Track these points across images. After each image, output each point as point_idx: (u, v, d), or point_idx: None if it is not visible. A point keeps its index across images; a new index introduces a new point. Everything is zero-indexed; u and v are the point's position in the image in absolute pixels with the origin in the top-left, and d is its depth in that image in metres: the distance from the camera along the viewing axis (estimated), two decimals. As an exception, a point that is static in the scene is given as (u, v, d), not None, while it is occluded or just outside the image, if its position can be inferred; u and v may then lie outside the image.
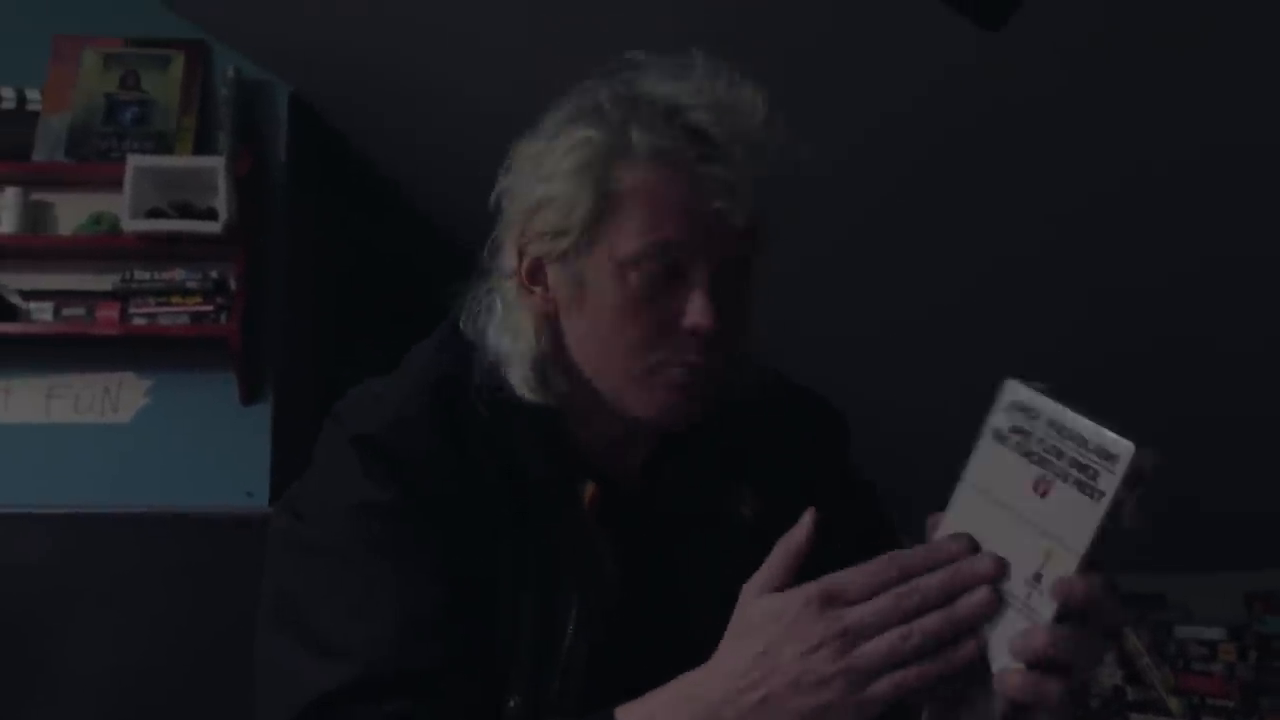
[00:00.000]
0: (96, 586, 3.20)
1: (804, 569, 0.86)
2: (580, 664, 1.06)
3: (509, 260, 1.12)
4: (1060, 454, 0.77)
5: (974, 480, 0.83)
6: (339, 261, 4.16)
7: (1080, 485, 0.76)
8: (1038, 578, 0.77)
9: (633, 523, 1.13)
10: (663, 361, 1.06)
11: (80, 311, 3.32)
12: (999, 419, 0.82)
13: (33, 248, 3.38)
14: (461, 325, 1.15)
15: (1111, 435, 0.76)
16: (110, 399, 3.41)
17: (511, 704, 1.03)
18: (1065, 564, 0.77)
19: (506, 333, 1.11)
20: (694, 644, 0.90)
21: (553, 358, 1.11)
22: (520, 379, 1.09)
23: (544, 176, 1.07)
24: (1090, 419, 0.77)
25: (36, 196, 3.42)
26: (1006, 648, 0.78)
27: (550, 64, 2.63)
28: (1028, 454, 0.79)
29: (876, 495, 1.31)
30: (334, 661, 0.98)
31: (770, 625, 0.84)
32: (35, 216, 3.40)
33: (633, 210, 1.04)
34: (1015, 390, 0.82)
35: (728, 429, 1.15)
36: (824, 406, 1.30)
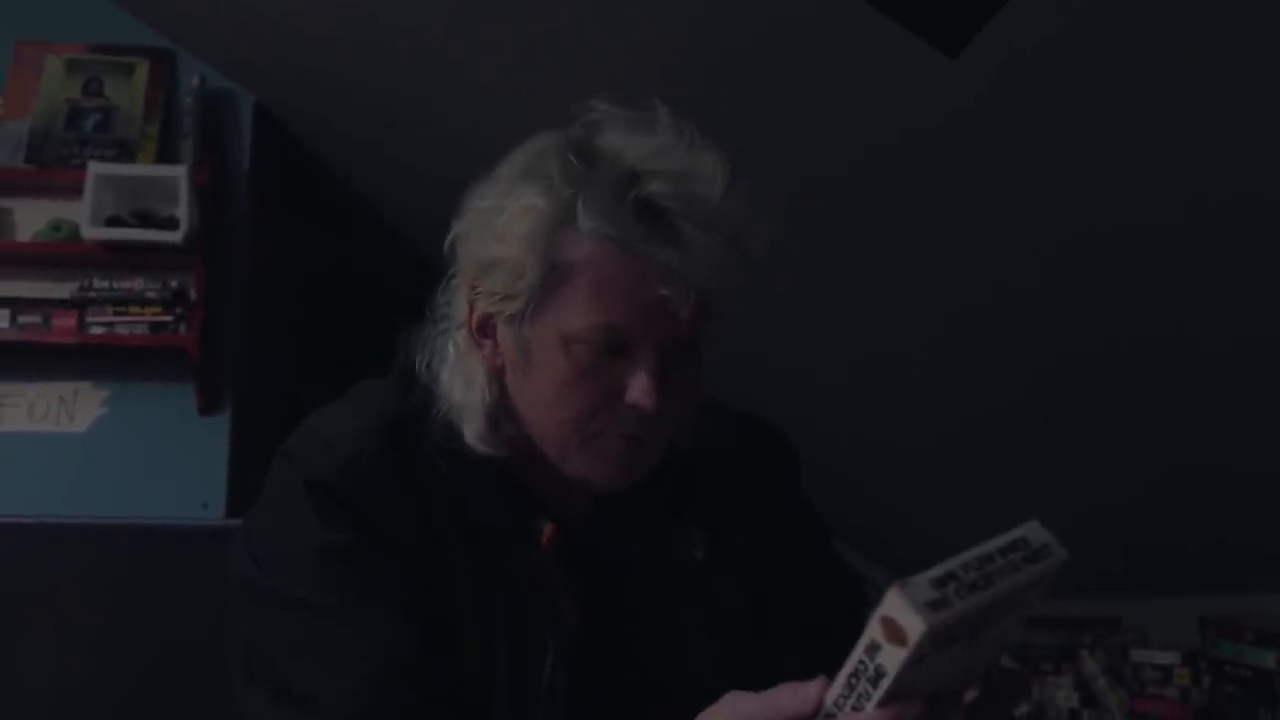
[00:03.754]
0: (49, 598, 3.15)
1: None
2: (562, 704, 1.05)
3: (461, 309, 1.11)
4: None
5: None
6: (301, 273, 4.14)
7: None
8: None
9: (589, 562, 1.12)
10: (602, 432, 1.05)
11: (37, 319, 3.28)
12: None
13: (-10, 254, 3.33)
14: (418, 368, 1.13)
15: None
16: (66, 408, 3.37)
17: None
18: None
19: (460, 381, 1.10)
20: (652, 681, 0.89)
21: (503, 409, 1.10)
22: (473, 432, 1.09)
23: (495, 236, 1.05)
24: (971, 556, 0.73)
25: (-5, 202, 3.38)
26: None
27: (517, 82, 2.64)
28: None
29: (823, 523, 1.30)
30: (310, 717, 0.97)
31: None
32: (-7, 222, 3.36)
33: (579, 287, 1.01)
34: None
35: (676, 467, 1.15)
36: (772, 435, 1.30)
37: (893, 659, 0.70)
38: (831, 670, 0.77)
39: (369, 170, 3.88)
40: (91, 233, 3.21)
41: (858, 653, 0.72)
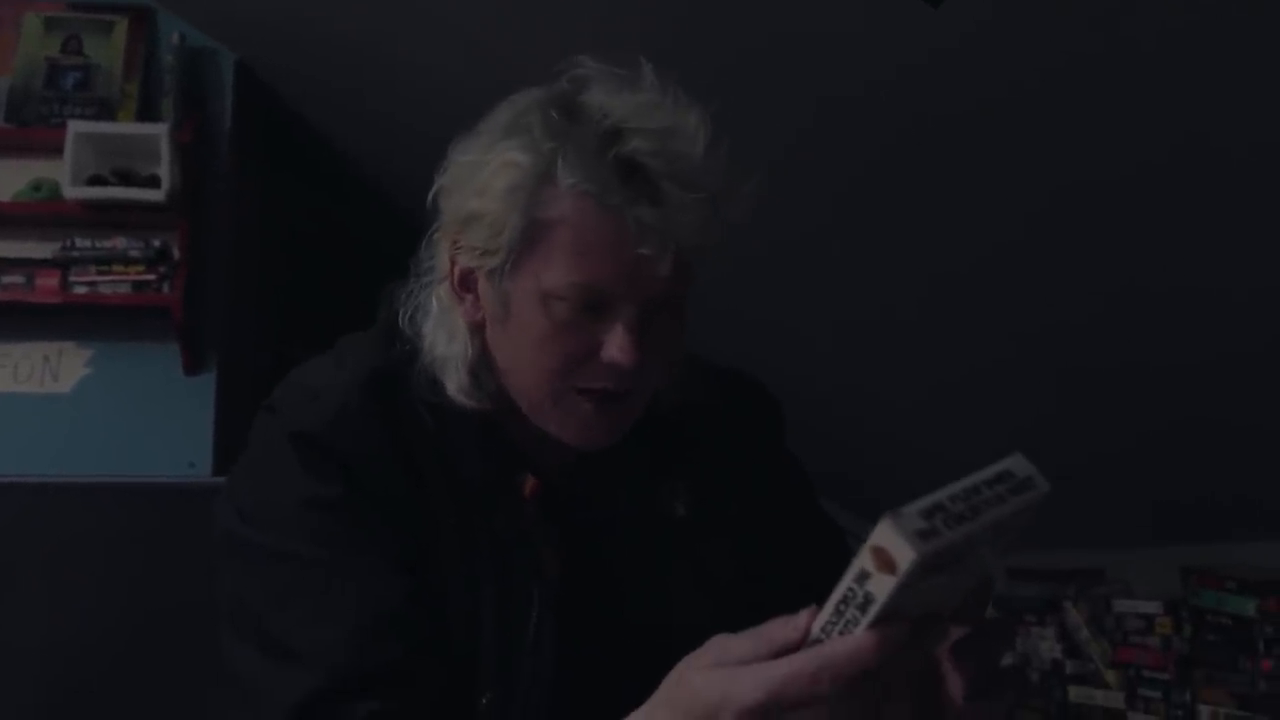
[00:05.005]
0: (35, 558, 3.14)
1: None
2: (549, 657, 1.06)
3: (443, 263, 1.11)
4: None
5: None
6: (286, 231, 4.12)
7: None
8: None
9: (572, 516, 1.13)
10: (579, 388, 1.05)
11: (20, 279, 3.27)
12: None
13: (-30, 214, 3.32)
14: (400, 321, 1.13)
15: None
16: (50, 368, 3.36)
17: (485, 700, 1.03)
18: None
19: (442, 334, 1.11)
20: (638, 634, 0.90)
21: (485, 363, 1.10)
22: (455, 384, 1.09)
23: (476, 190, 1.04)
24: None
25: (-26, 162, 3.36)
26: None
27: (504, 37, 2.62)
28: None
29: (807, 478, 1.31)
30: (298, 670, 0.97)
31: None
32: (-27, 183, 3.34)
33: (558, 243, 1.01)
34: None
35: (660, 423, 1.15)
36: (756, 390, 1.30)
37: (882, 587, 0.71)
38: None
39: (353, 127, 3.85)
40: (73, 192, 3.19)
41: (847, 580, 0.73)
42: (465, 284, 1.09)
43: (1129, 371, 2.41)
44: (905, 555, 0.69)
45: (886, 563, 0.71)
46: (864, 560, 0.72)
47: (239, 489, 1.09)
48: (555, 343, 1.04)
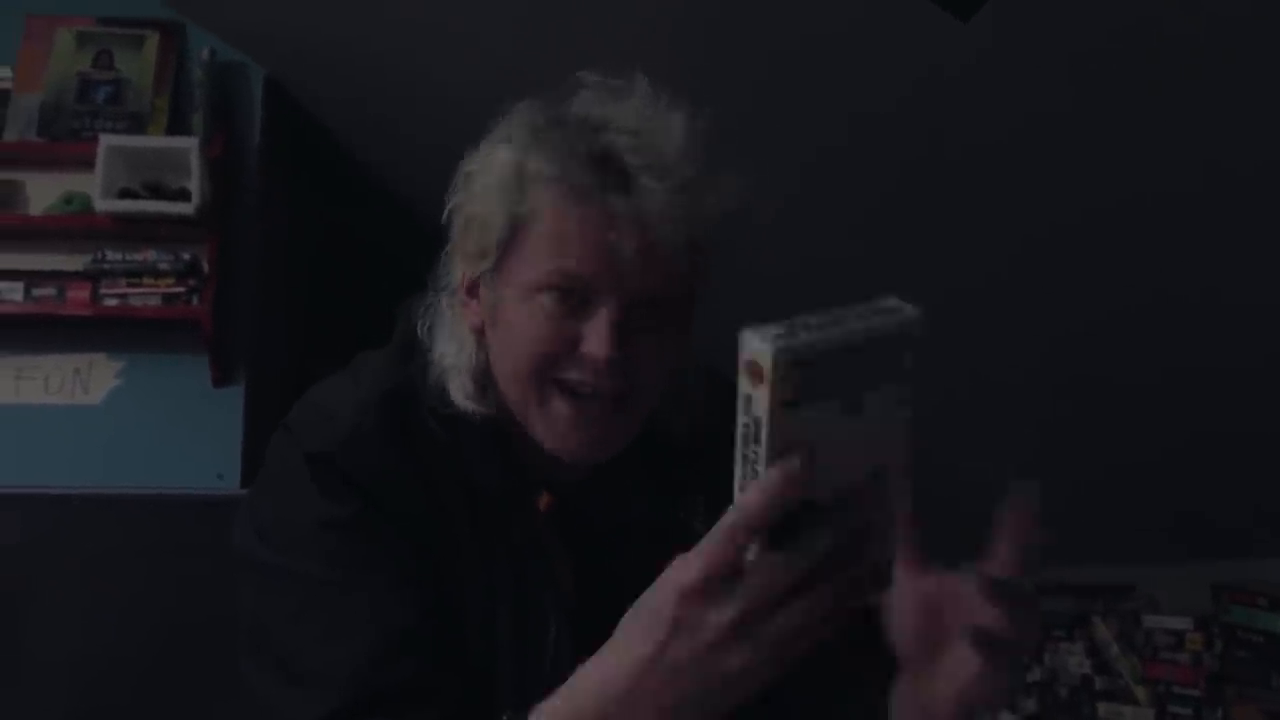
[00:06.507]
0: (65, 568, 3.19)
1: None
2: (566, 668, 1.05)
3: (456, 273, 1.13)
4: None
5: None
6: (314, 245, 4.14)
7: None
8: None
9: (584, 531, 1.13)
10: (558, 379, 1.05)
11: (51, 292, 3.29)
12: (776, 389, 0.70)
13: (3, 227, 3.34)
14: (419, 334, 1.14)
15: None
16: (81, 380, 3.38)
17: (505, 718, 1.03)
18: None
19: (453, 344, 1.12)
20: None
21: (488, 370, 1.11)
22: (461, 391, 1.10)
23: (470, 196, 1.07)
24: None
25: (7, 176, 3.39)
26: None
27: (526, 54, 2.63)
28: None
29: None
30: (312, 690, 0.97)
31: (643, 635, 0.79)
32: (6, 196, 3.37)
33: (536, 235, 1.03)
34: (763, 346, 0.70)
35: (675, 442, 1.15)
36: None
37: (761, 402, 0.70)
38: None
39: (380, 142, 3.87)
40: (104, 205, 3.21)
41: (739, 417, 0.72)
42: (471, 291, 1.11)
43: (1152, 384, 2.40)
44: (765, 353, 0.69)
45: (756, 372, 0.70)
46: (741, 384, 0.71)
47: (256, 508, 1.10)
48: (535, 337, 1.04)
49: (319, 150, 3.96)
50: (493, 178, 1.05)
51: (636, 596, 1.11)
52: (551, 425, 1.07)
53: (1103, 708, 3.08)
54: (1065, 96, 1.91)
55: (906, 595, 0.86)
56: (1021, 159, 2.09)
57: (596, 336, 1.02)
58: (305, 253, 4.08)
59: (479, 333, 1.11)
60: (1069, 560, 2.91)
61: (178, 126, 3.46)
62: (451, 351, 1.11)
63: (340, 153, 4.00)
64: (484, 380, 1.10)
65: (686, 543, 1.13)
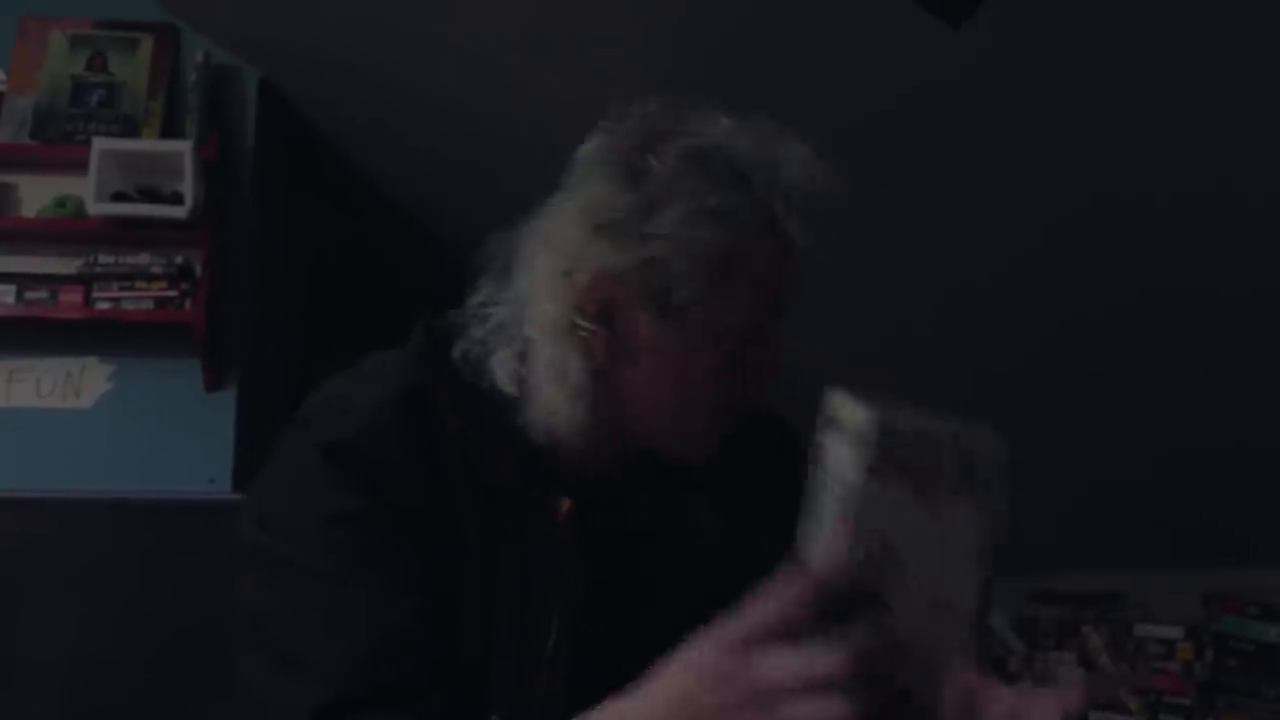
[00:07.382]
0: (57, 572, 3.18)
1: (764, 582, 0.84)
2: (561, 678, 1.05)
3: (556, 290, 1.08)
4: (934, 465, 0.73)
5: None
6: (308, 249, 4.14)
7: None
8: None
9: (600, 537, 1.12)
10: (725, 415, 1.11)
11: (43, 295, 3.28)
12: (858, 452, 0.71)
13: (-5, 230, 3.34)
14: (454, 353, 1.13)
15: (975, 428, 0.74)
16: (73, 384, 3.38)
17: (494, 719, 1.03)
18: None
19: (552, 371, 1.09)
20: (657, 657, 0.89)
21: (603, 397, 1.10)
22: (567, 421, 1.09)
23: (649, 233, 1.04)
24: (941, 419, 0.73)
25: (0, 178, 3.38)
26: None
27: (523, 62, 2.63)
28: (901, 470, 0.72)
29: None
30: (308, 683, 0.97)
31: (686, 673, 0.79)
32: (-2, 198, 3.36)
33: (741, 282, 1.06)
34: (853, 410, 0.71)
35: None
36: (781, 425, 1.30)
37: (846, 460, 0.70)
38: None
39: (375, 146, 3.87)
40: (97, 208, 3.21)
41: (814, 471, 0.72)
42: (599, 317, 1.07)
43: (1142, 393, 2.40)
44: (861, 415, 0.69)
45: (848, 432, 0.70)
46: (828, 439, 0.71)
47: (263, 500, 1.09)
48: (722, 375, 1.08)
49: (313, 154, 3.96)
50: (699, 226, 1.04)
51: (642, 605, 1.12)
52: (697, 446, 1.13)
53: (1094, 717, 3.08)
54: (1065, 96, 1.92)
55: (955, 694, 0.87)
56: (1021, 159, 2.09)
57: (772, 362, 1.11)
58: (299, 257, 4.08)
59: (595, 358, 1.08)
60: (1059, 567, 2.91)
61: (171, 130, 3.45)
62: (552, 379, 1.09)
63: (335, 157, 4.00)
64: (595, 407, 1.09)
65: (696, 553, 1.14)
